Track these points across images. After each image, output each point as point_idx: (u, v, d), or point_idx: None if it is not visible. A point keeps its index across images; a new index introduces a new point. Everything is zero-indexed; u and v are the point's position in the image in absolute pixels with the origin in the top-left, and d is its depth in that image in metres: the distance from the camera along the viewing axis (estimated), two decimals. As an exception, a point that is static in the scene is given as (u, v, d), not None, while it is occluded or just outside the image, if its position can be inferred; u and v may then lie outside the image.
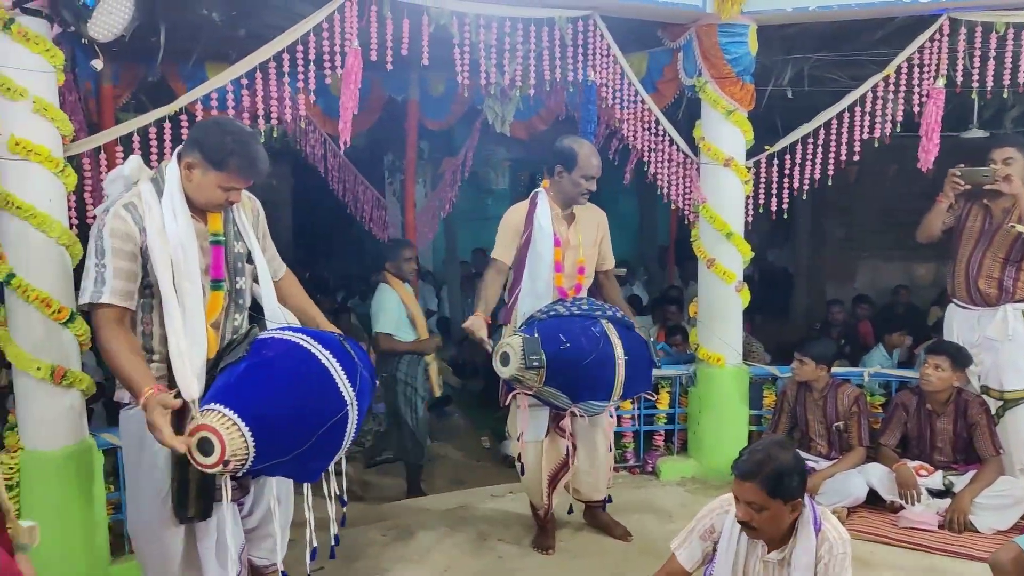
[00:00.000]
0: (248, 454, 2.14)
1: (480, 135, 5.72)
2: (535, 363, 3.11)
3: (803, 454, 4.19)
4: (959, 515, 3.77)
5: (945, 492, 3.95)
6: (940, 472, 4.01)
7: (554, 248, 3.46)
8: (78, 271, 3.18)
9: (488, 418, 5.80)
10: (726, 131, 4.26)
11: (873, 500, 3.99)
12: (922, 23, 4.13)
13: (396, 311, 4.69)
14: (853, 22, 4.42)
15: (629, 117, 4.30)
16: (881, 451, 4.13)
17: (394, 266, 4.79)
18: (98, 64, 2.99)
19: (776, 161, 4.37)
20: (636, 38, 4.49)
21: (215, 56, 4.04)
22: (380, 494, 4.86)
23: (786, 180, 4.35)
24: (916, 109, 4.21)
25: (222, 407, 2.15)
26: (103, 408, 4.81)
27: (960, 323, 4.15)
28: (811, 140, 4.33)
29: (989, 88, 4.05)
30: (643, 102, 4.26)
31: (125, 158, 3.24)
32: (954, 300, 4.20)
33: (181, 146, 2.43)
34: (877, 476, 4.00)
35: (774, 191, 4.37)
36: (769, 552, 2.48)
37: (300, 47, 3.31)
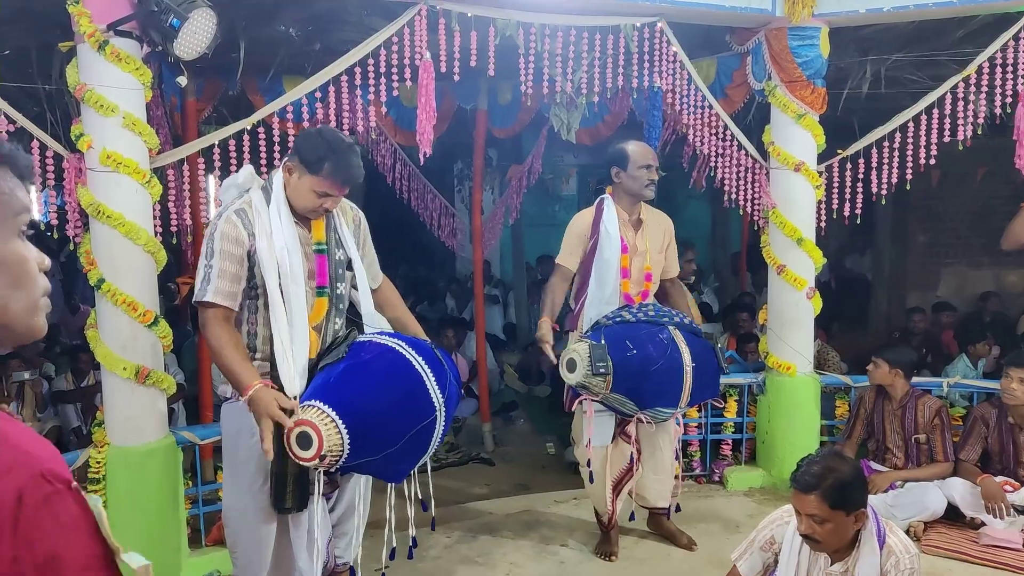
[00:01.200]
0: (343, 450, 2.24)
1: (546, 142, 5.76)
2: (602, 370, 3.13)
3: (876, 465, 4.09)
4: (1048, 534, 3.61)
5: (1032, 509, 3.78)
6: (1026, 487, 3.84)
7: (621, 254, 3.46)
8: (163, 277, 3.38)
9: (554, 424, 5.82)
10: (796, 135, 4.19)
11: (952, 517, 3.84)
12: (1006, 20, 3.98)
13: None
14: (932, 21, 4.27)
15: (696, 122, 4.27)
16: (961, 466, 3.97)
17: None
18: (183, 80, 3.16)
19: (851, 165, 4.27)
20: (704, 43, 4.45)
21: (292, 70, 4.19)
22: (445, 496, 4.93)
23: (860, 184, 4.23)
24: (997, 111, 4.05)
25: (321, 404, 2.26)
26: (183, 407, 5.04)
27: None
28: (887, 143, 4.21)
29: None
30: (711, 107, 4.22)
31: (207, 170, 3.44)
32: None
33: (285, 158, 2.56)
34: (958, 491, 3.86)
35: (848, 196, 4.26)
36: (832, 564, 2.44)
37: (371, 60, 3.42)
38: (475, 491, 4.94)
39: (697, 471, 4.58)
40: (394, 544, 2.61)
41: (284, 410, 2.26)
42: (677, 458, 3.76)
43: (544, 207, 8.69)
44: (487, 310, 6.82)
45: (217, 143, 3.33)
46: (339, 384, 2.32)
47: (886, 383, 4.08)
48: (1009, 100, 3.99)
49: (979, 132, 4.08)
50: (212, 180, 4.18)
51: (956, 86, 4.08)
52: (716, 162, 4.39)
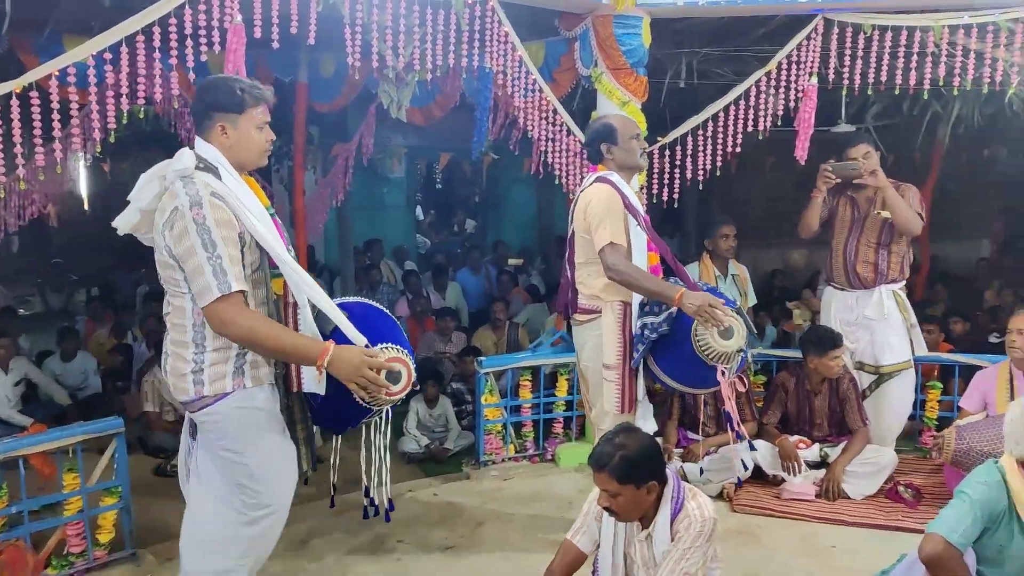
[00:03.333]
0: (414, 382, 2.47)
1: (376, 121, 5.60)
2: (753, 330, 3.10)
3: (692, 435, 4.39)
4: (833, 484, 4.05)
5: (821, 463, 4.23)
6: (817, 445, 4.28)
7: (647, 227, 3.30)
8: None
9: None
10: (621, 122, 4.35)
11: (758, 476, 4.20)
12: (800, 22, 4.36)
13: None
14: (737, 20, 4.61)
15: (527, 106, 4.32)
16: (764, 429, 4.36)
17: None
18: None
19: (668, 153, 4.51)
20: (533, 27, 4.51)
21: (75, 28, 3.71)
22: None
23: (677, 171, 4.49)
24: (792, 104, 4.44)
25: (393, 345, 2.43)
26: None
27: (838, 305, 4.43)
28: (701, 132, 4.50)
29: (856, 85, 4.32)
30: (541, 91, 4.29)
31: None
32: (832, 284, 4.48)
33: (197, 134, 2.39)
34: (761, 452, 4.22)
35: (667, 181, 4.51)
36: (642, 531, 2.61)
37: (174, 20, 3.10)
38: (300, 491, 4.71)
39: (531, 451, 4.68)
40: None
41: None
42: None
43: (372, 189, 8.46)
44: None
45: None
46: (379, 331, 2.46)
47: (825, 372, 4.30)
48: (802, 95, 4.38)
49: (778, 124, 4.46)
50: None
51: (759, 80, 4.43)
52: (546, 146, 4.47)
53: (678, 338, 3.09)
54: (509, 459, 4.61)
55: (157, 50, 3.10)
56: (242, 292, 2.25)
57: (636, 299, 3.28)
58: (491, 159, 7.65)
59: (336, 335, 2.39)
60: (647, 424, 3.38)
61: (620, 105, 4.31)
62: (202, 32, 3.14)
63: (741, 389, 3.39)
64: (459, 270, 8.40)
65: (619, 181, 3.25)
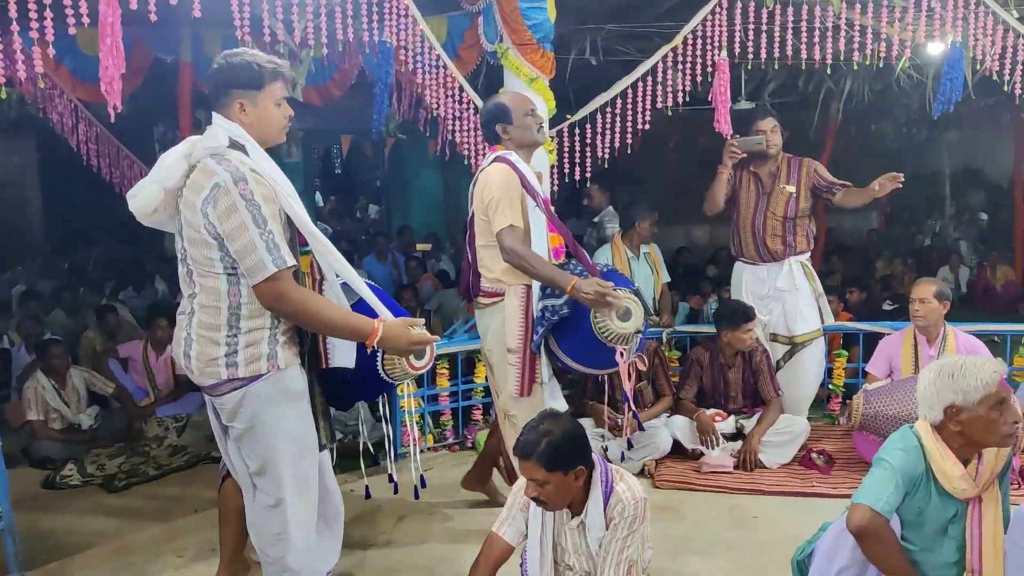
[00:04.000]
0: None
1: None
2: (651, 311, 3.04)
3: (614, 413, 4.36)
4: (750, 454, 4.11)
5: (737, 435, 4.28)
6: (732, 417, 4.33)
7: (547, 208, 3.22)
8: None
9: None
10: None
11: (677, 451, 4.22)
12: (706, -1, 4.35)
13: None
14: (641, -5, 4.59)
15: (431, 83, 4.15)
16: (681, 404, 4.39)
17: None
18: None
19: (578, 131, 4.44)
20: (435, 1, 4.33)
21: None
22: (174, 508, 4.39)
23: (589, 150, 4.43)
24: (698, 80, 4.44)
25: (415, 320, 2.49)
26: None
27: (749, 278, 4.50)
28: (609, 110, 4.45)
29: (763, 61, 4.36)
30: (445, 67, 4.12)
31: None
32: (742, 259, 4.54)
33: (215, 110, 2.33)
34: (679, 427, 4.25)
35: (577, 160, 4.44)
36: (572, 519, 2.53)
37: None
38: (210, 495, 4.43)
39: (450, 440, 4.56)
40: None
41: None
42: None
43: (267, 175, 8.06)
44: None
45: None
46: (393, 308, 2.54)
47: (738, 345, 4.30)
48: (711, 70, 4.38)
49: (687, 100, 4.45)
50: None
51: (665, 57, 4.40)
52: (452, 126, 4.31)
53: (578, 320, 3.07)
54: (428, 449, 4.47)
55: (14, 23, 2.76)
56: (294, 266, 2.26)
57: (539, 282, 3.21)
58: (394, 140, 7.42)
59: (359, 309, 2.46)
60: (557, 404, 3.34)
61: (528, 82, 4.19)
62: (67, 5, 2.82)
63: (642, 368, 3.39)
64: (364, 258, 8.16)
65: (517, 160, 3.15)
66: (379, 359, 2.54)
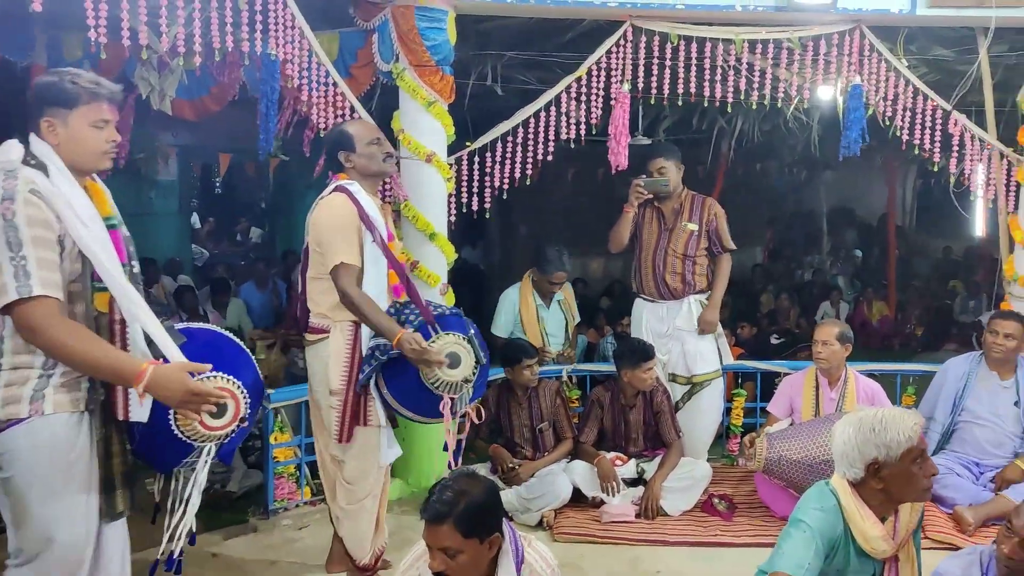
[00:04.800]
0: (246, 420, 2.34)
1: (136, 114, 4.79)
2: (483, 359, 2.94)
3: (511, 458, 4.12)
4: (652, 501, 3.95)
5: (638, 479, 4.12)
6: (633, 461, 4.17)
7: (388, 242, 2.99)
8: None
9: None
10: (427, 124, 4.00)
11: (577, 499, 4.01)
12: (609, 29, 4.25)
13: None
14: (543, 24, 4.45)
15: (320, 101, 3.84)
16: (581, 448, 4.19)
17: None
18: None
19: (477, 160, 4.23)
20: (327, 15, 4.04)
21: None
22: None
23: (488, 179, 4.23)
24: (599, 112, 4.31)
25: (224, 375, 2.29)
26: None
27: (649, 316, 4.39)
28: (510, 139, 4.27)
29: (666, 96, 4.30)
30: (335, 85, 3.82)
31: None
32: (642, 296, 4.42)
33: (29, 128, 2.17)
34: (579, 473, 4.04)
35: (476, 189, 4.22)
36: None
37: None
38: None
39: (332, 490, 4.16)
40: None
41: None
42: None
43: (136, 194, 7.47)
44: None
45: None
46: (227, 356, 2.38)
47: (527, 381, 4.13)
48: (613, 103, 4.27)
49: (593, 132, 4.32)
50: None
51: (569, 87, 4.26)
52: (343, 147, 3.99)
53: (406, 364, 2.89)
54: (304, 504, 4.06)
55: None
56: (49, 298, 2.03)
57: None
58: (279, 161, 7.00)
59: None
60: (392, 451, 3.14)
61: (425, 105, 3.96)
62: None
63: (476, 421, 3.19)
64: (243, 284, 7.66)
65: (358, 191, 2.96)
66: (171, 414, 2.24)
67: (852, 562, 2.34)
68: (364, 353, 2.95)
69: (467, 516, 2.06)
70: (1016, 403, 3.93)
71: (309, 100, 3.82)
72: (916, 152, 4.37)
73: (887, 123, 4.32)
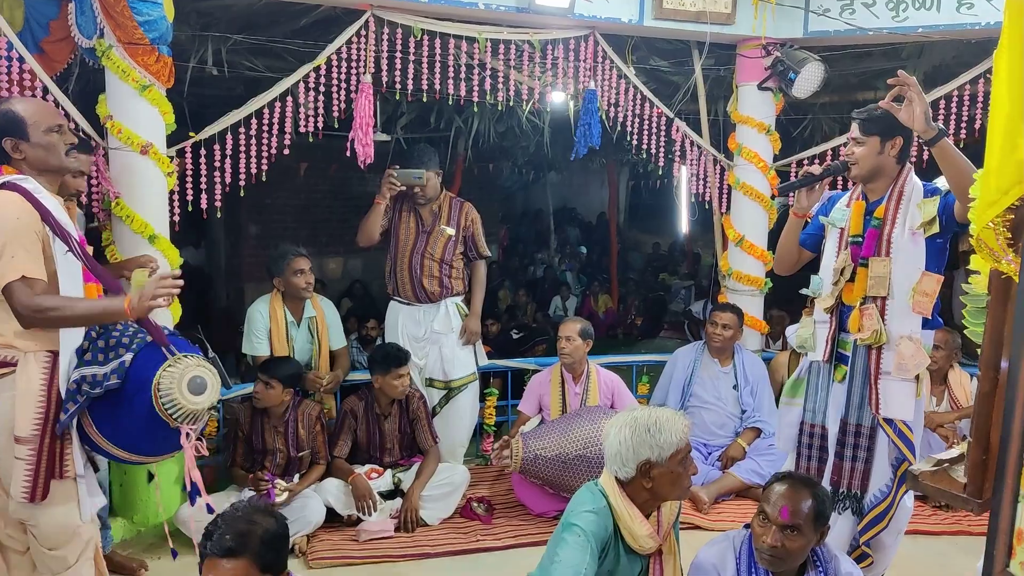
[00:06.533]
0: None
1: None
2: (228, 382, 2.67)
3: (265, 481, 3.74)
4: (411, 512, 3.81)
5: (395, 491, 3.95)
6: (389, 472, 4.00)
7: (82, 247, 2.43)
8: None
9: None
10: (142, 111, 3.47)
11: (332, 519, 3.75)
12: (347, 19, 4.01)
13: None
14: (273, 7, 4.07)
15: (3, 81, 3.15)
16: (334, 464, 3.93)
17: None
18: None
19: (204, 153, 3.76)
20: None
21: None
22: None
23: (217, 174, 3.77)
24: (342, 106, 4.06)
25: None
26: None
27: (405, 320, 4.22)
28: (242, 130, 3.85)
29: (410, 92, 4.16)
30: (22, 61, 3.16)
31: None
32: (397, 298, 4.25)
33: None
34: (332, 493, 3.80)
35: (204, 185, 3.75)
36: None
37: None
38: None
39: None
40: None
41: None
42: None
43: None
44: None
45: None
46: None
47: (275, 403, 3.77)
48: (354, 95, 4.02)
49: (335, 125, 4.03)
50: None
51: (306, 77, 3.95)
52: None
53: (131, 394, 2.39)
54: None
55: None
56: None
57: (72, 345, 2.43)
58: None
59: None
60: (97, 500, 2.57)
61: (139, 89, 3.43)
62: None
63: (203, 453, 2.58)
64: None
65: (37, 188, 2.38)
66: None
67: (622, 561, 2.38)
68: (66, 389, 2.37)
69: (265, 550, 1.89)
70: (735, 387, 4.37)
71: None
72: (644, 156, 4.68)
73: (617, 128, 4.58)
